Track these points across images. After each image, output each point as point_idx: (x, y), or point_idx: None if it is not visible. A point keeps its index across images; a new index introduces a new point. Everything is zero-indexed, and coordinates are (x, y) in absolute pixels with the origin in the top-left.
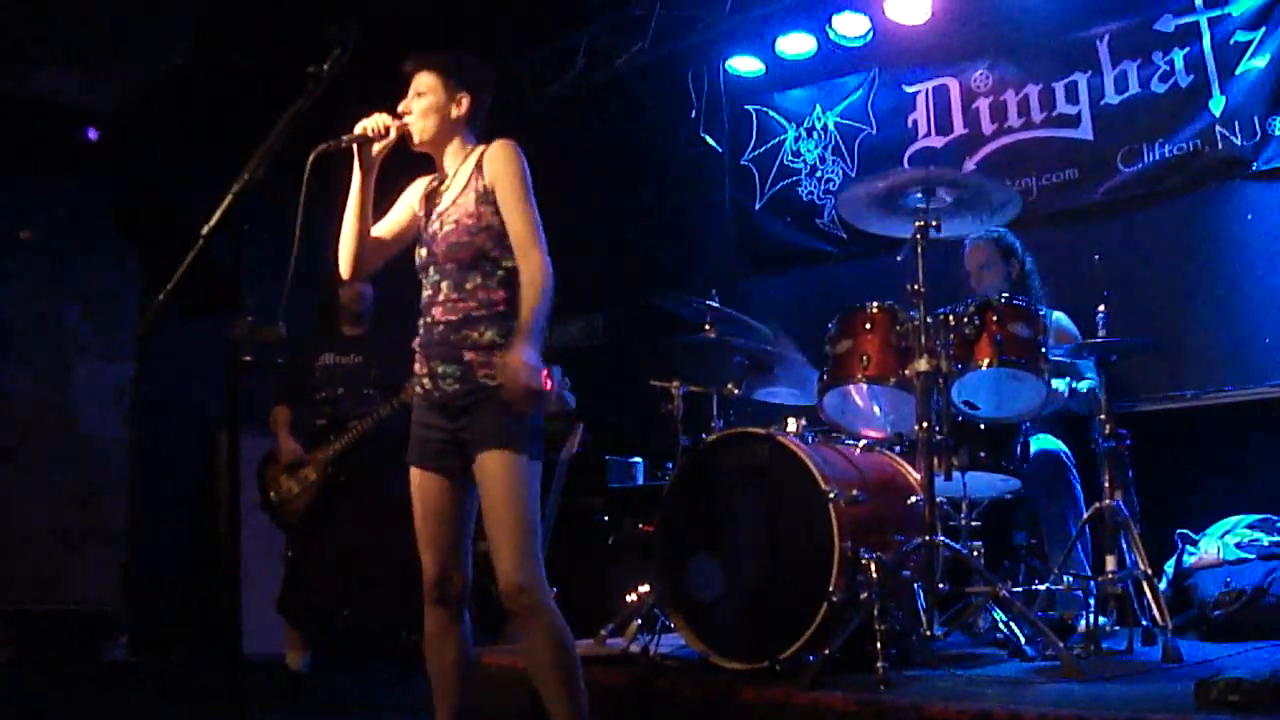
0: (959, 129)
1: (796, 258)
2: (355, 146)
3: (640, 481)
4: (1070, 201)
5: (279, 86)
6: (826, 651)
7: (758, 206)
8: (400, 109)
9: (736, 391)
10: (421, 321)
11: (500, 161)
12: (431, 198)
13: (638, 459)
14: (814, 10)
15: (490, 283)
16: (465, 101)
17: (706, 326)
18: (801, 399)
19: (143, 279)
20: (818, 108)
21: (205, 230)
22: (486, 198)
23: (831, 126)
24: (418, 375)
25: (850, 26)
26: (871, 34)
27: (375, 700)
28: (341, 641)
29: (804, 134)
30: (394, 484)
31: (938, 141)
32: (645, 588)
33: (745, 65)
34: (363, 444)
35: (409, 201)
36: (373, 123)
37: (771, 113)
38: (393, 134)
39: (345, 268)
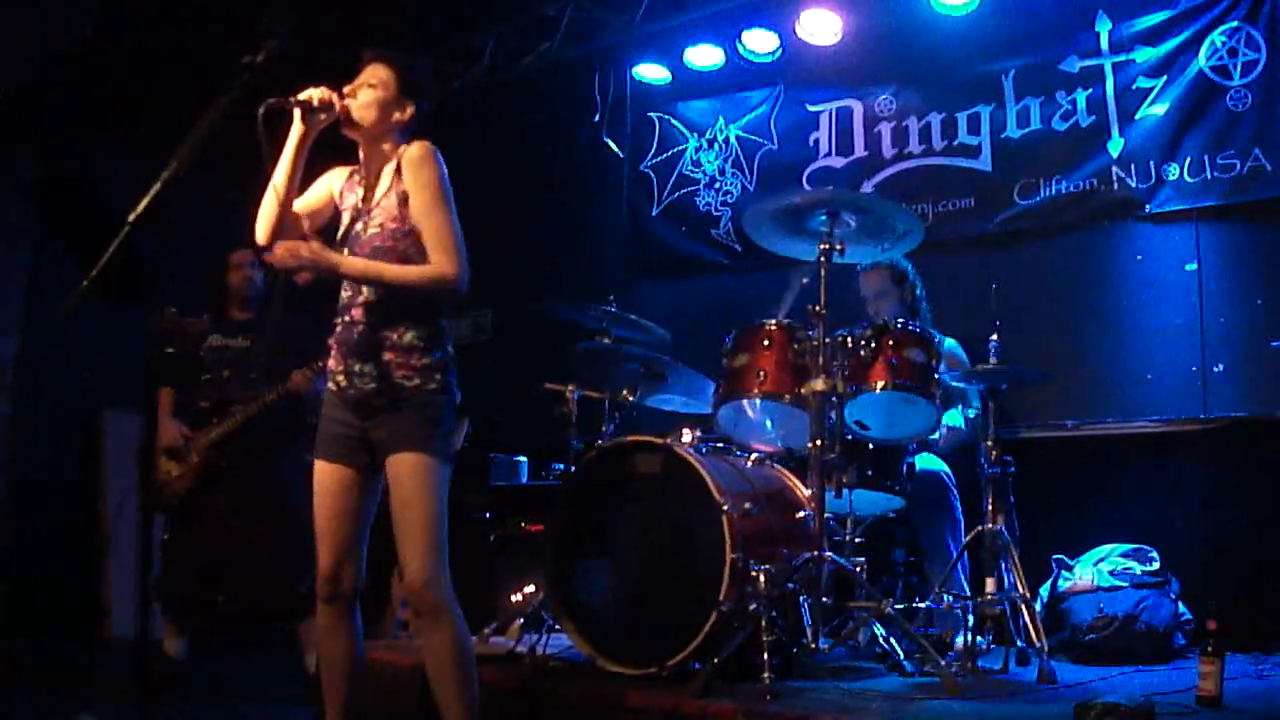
0: (860, 151)
1: (690, 266)
2: (300, 111)
3: (524, 480)
4: (965, 230)
5: (184, 60)
6: (715, 660)
7: (654, 213)
8: (346, 89)
9: (631, 398)
10: (340, 320)
11: (417, 166)
12: (354, 193)
13: (522, 457)
14: (726, 25)
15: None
16: (410, 110)
17: (602, 335)
18: (693, 407)
19: (32, 254)
20: (720, 120)
21: (131, 218)
22: (406, 200)
23: (733, 140)
24: (332, 372)
25: (760, 43)
26: (780, 52)
27: (254, 687)
28: (220, 628)
29: (705, 145)
30: (276, 471)
31: (838, 162)
32: (530, 588)
33: (652, 73)
34: (246, 429)
35: (329, 185)
36: (320, 93)
37: (674, 121)
38: (336, 109)
39: (264, 233)
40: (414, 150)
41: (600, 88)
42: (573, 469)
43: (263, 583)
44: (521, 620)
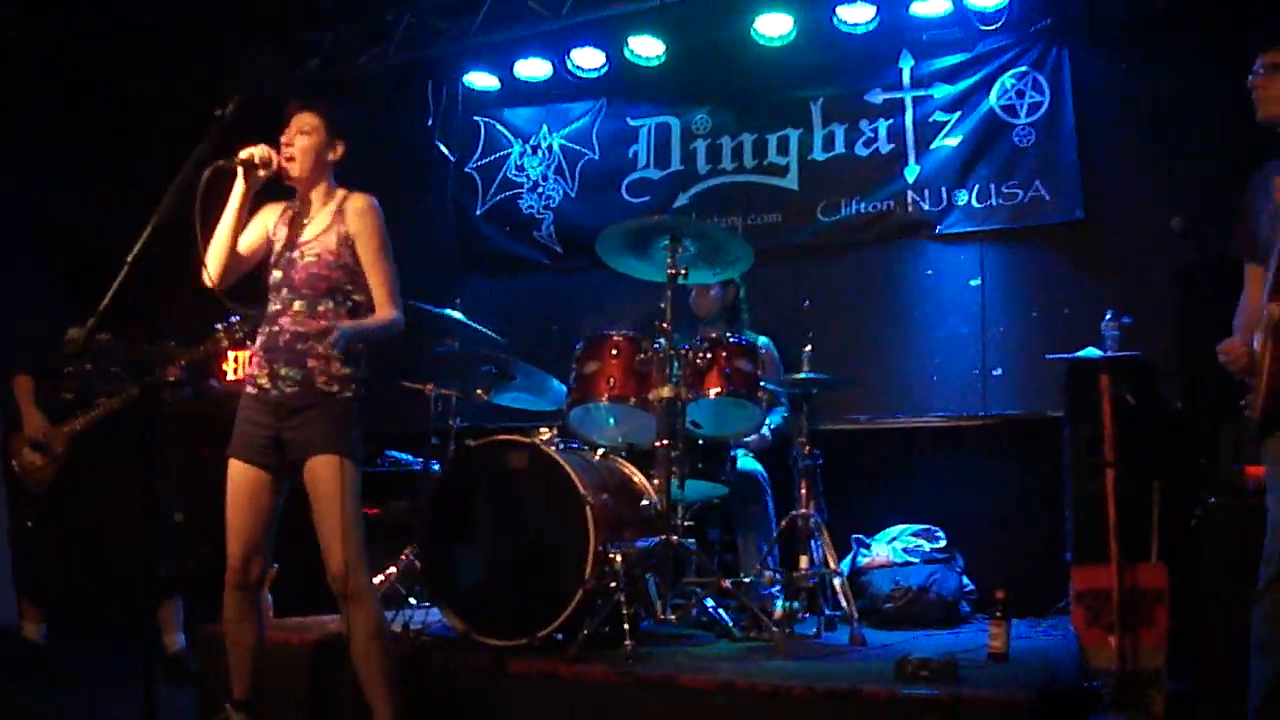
0: (676, 165)
1: (512, 265)
2: (243, 169)
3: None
4: (772, 242)
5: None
6: (585, 631)
7: (478, 213)
8: (283, 140)
9: (486, 397)
10: (265, 329)
11: (364, 218)
12: (292, 226)
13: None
14: (557, 42)
15: (340, 310)
16: (340, 148)
17: (451, 337)
18: (539, 405)
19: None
20: (545, 128)
21: (130, 258)
22: (347, 242)
23: (556, 147)
24: (253, 376)
25: (588, 60)
26: (606, 68)
27: (113, 670)
28: (80, 614)
29: (529, 151)
30: (138, 461)
31: (655, 174)
32: (392, 569)
33: (481, 80)
34: (109, 422)
35: (264, 223)
36: (260, 151)
37: (500, 127)
38: (274, 164)
39: (215, 276)
40: (360, 202)
41: (433, 92)
42: (445, 462)
43: (124, 568)
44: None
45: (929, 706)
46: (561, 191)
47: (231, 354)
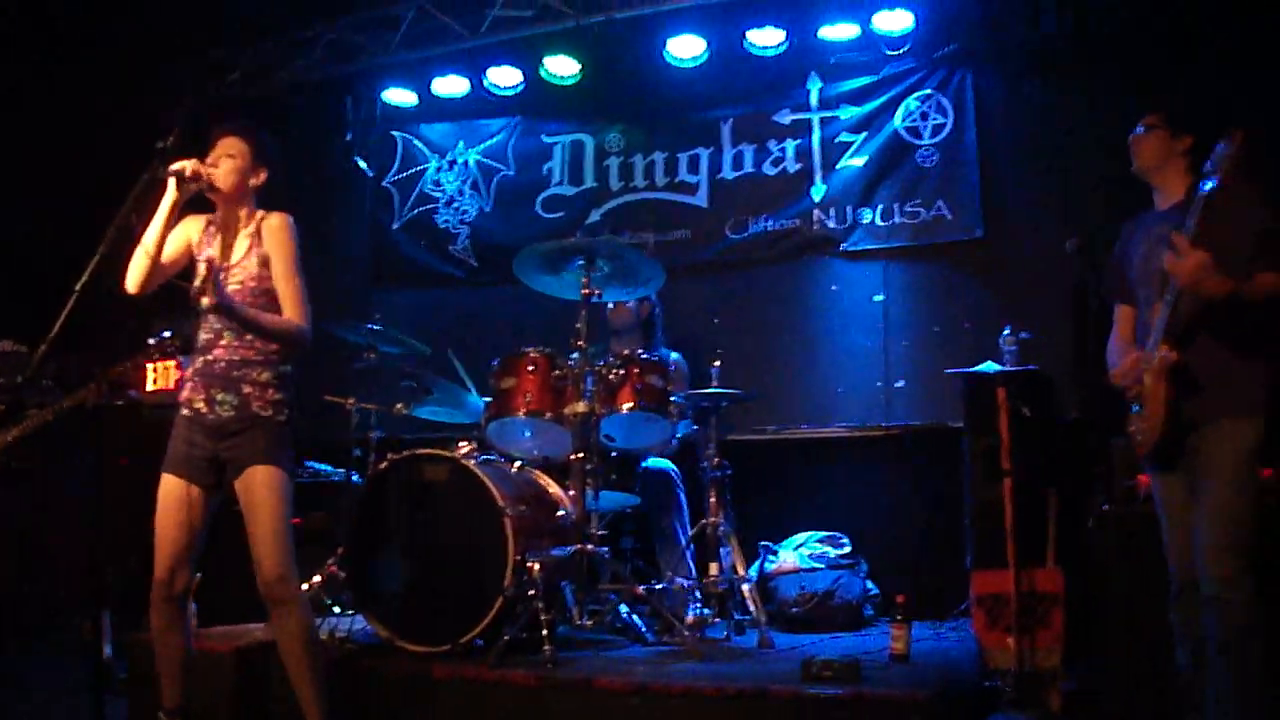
0: (589, 181)
1: (428, 278)
2: (174, 180)
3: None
4: (682, 258)
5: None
6: (506, 637)
7: (395, 227)
8: (209, 161)
9: (406, 411)
10: (200, 356)
11: (278, 235)
12: (210, 245)
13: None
14: (474, 60)
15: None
16: (263, 175)
17: (370, 350)
18: (456, 418)
19: None
20: (461, 144)
21: (78, 286)
22: (266, 263)
23: (472, 163)
24: (189, 400)
25: (505, 78)
26: (522, 86)
27: (48, 677)
28: (12, 624)
29: (446, 166)
30: (68, 476)
31: (569, 190)
32: (317, 578)
33: (399, 96)
34: (39, 434)
35: (186, 235)
36: (192, 164)
37: (417, 142)
38: (204, 178)
39: (135, 284)
40: (276, 221)
41: (352, 108)
42: (368, 475)
43: (61, 576)
44: None
45: (833, 705)
46: (477, 206)
47: (150, 366)
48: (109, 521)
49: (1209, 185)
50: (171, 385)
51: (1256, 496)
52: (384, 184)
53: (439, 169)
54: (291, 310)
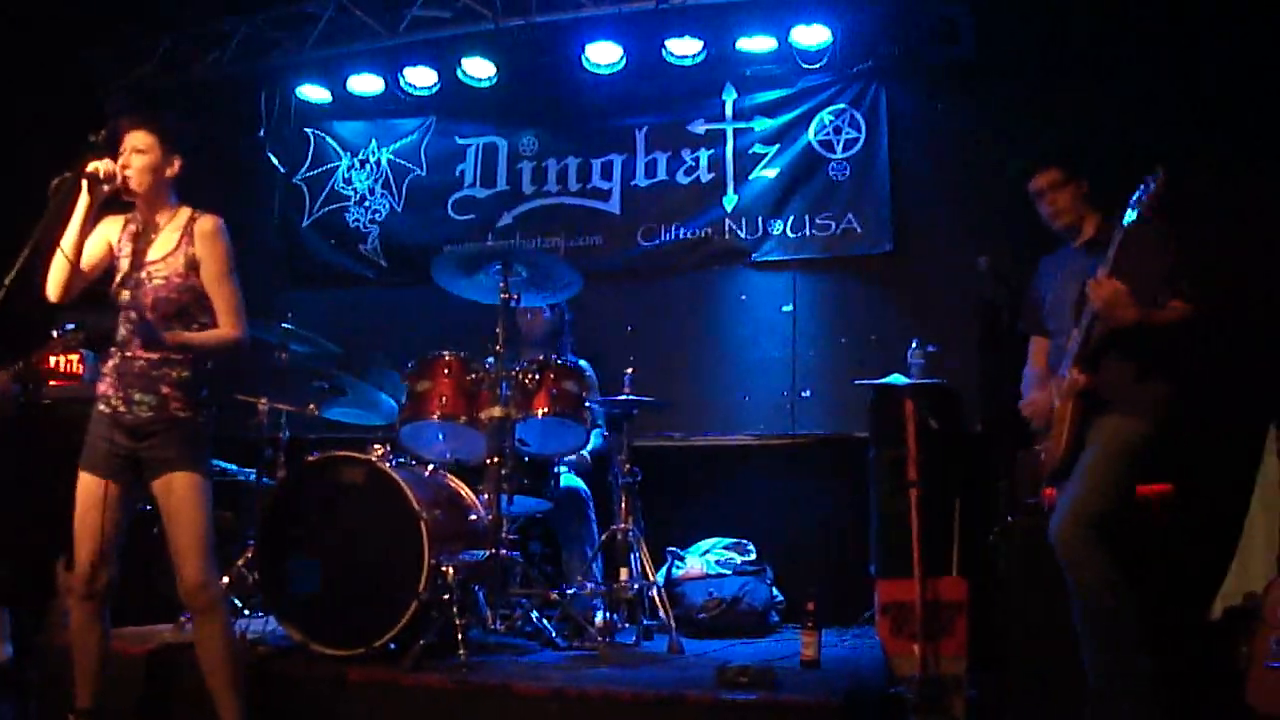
0: (502, 184)
1: (338, 278)
2: (87, 182)
3: None
4: (593, 264)
5: None
6: (422, 641)
7: (305, 224)
8: (121, 162)
9: (317, 412)
10: (119, 353)
11: (210, 240)
12: (136, 242)
13: None
14: (391, 59)
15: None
16: (177, 164)
17: (281, 349)
18: (367, 419)
19: None
20: (374, 142)
21: (8, 281)
22: (194, 264)
23: (384, 162)
24: (106, 397)
25: (420, 78)
26: (438, 87)
27: None
28: None
29: (358, 165)
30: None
31: (481, 192)
32: (225, 579)
33: (313, 93)
34: None
35: (105, 236)
36: (105, 165)
37: (329, 139)
38: (118, 179)
39: (57, 292)
40: (208, 225)
41: (266, 103)
42: (282, 475)
43: None
44: None
45: (749, 710)
46: (389, 206)
47: (54, 359)
48: (6, 518)
49: (1130, 218)
50: (75, 380)
51: (1117, 493)
52: (294, 181)
53: (351, 167)
54: (226, 318)
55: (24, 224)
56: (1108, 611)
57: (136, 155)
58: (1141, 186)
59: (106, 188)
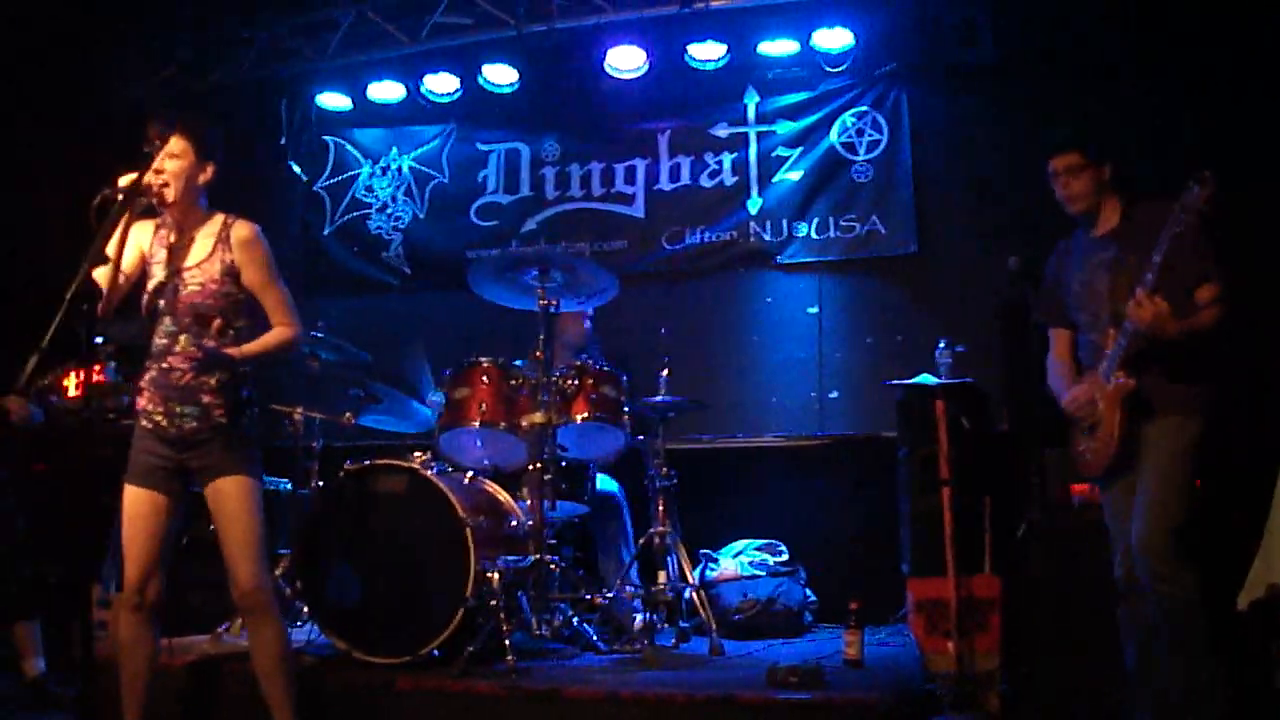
0: (525, 190)
1: (361, 285)
2: (123, 197)
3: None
4: (618, 268)
5: None
6: (471, 647)
7: (326, 232)
8: (155, 168)
9: (354, 420)
10: (156, 365)
11: (250, 247)
12: (171, 250)
13: None
14: (412, 66)
15: (225, 341)
16: (210, 170)
17: (312, 359)
18: (402, 427)
19: None
20: (395, 149)
21: (69, 294)
22: (231, 271)
23: (406, 169)
24: (147, 411)
25: (441, 85)
26: (459, 93)
27: None
28: None
29: (379, 172)
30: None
31: (505, 198)
32: None
33: (333, 101)
34: None
35: (138, 244)
36: (143, 178)
37: (350, 147)
38: (154, 190)
39: (103, 307)
40: (244, 231)
41: (287, 110)
42: (320, 485)
43: None
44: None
45: (802, 710)
46: (411, 213)
47: (72, 372)
48: (38, 533)
49: (1181, 224)
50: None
51: (1190, 493)
52: (315, 189)
53: (371, 175)
54: (281, 318)
55: (37, 227)
56: (1190, 628)
57: (170, 160)
58: (1186, 191)
59: (143, 199)
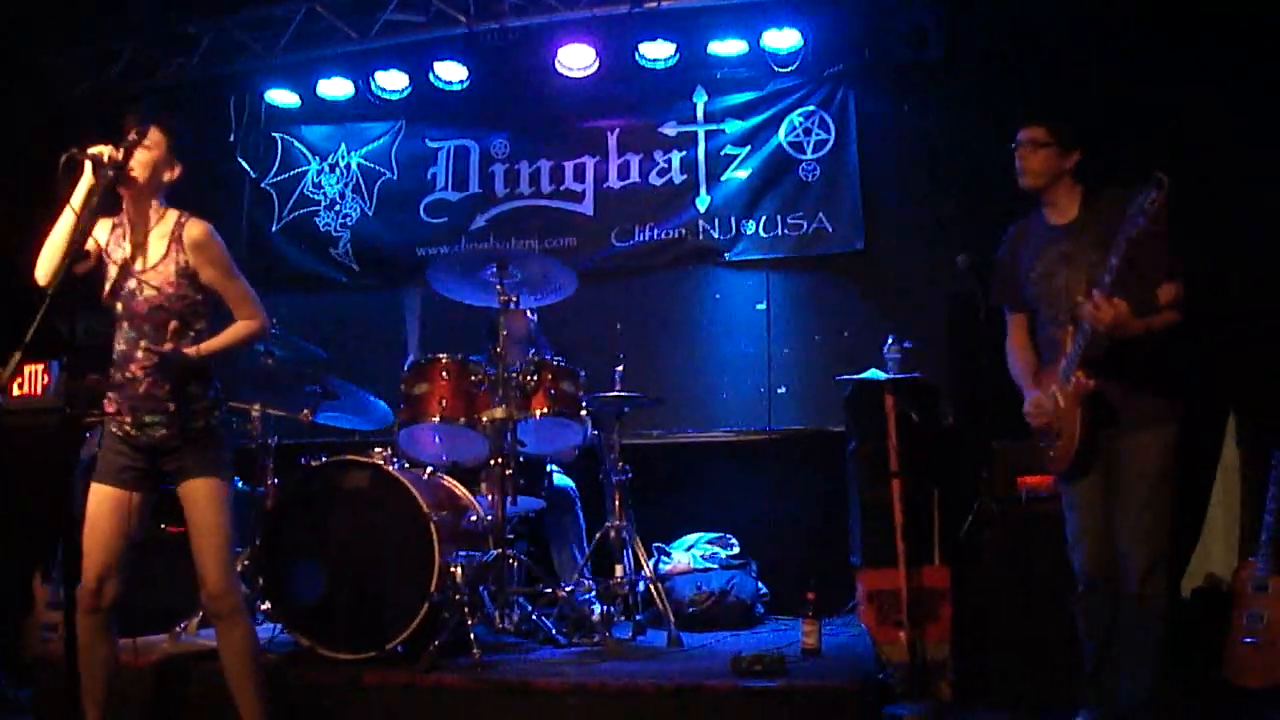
0: (474, 187)
1: (309, 282)
2: (91, 164)
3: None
4: (568, 265)
5: None
6: (437, 641)
7: (274, 229)
8: (125, 149)
9: (312, 417)
10: (119, 372)
11: (204, 249)
12: (124, 249)
13: None
14: (361, 63)
15: (184, 341)
16: (177, 169)
17: (266, 356)
18: (359, 424)
19: None
20: (343, 146)
21: (50, 291)
22: (187, 273)
23: (354, 166)
24: (115, 418)
25: (391, 82)
26: (409, 90)
27: None
28: None
29: (327, 169)
30: None
31: (453, 196)
32: None
33: (282, 97)
34: None
35: (94, 241)
36: (110, 150)
37: (298, 144)
38: (127, 166)
39: (47, 275)
40: (196, 232)
41: (235, 107)
42: (279, 481)
43: None
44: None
45: (769, 697)
46: (359, 210)
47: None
48: None
49: (1136, 228)
50: (38, 391)
51: (1174, 498)
52: (263, 185)
53: (320, 171)
54: (246, 311)
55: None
56: (1158, 642)
57: (142, 150)
58: (1142, 194)
59: (110, 172)
